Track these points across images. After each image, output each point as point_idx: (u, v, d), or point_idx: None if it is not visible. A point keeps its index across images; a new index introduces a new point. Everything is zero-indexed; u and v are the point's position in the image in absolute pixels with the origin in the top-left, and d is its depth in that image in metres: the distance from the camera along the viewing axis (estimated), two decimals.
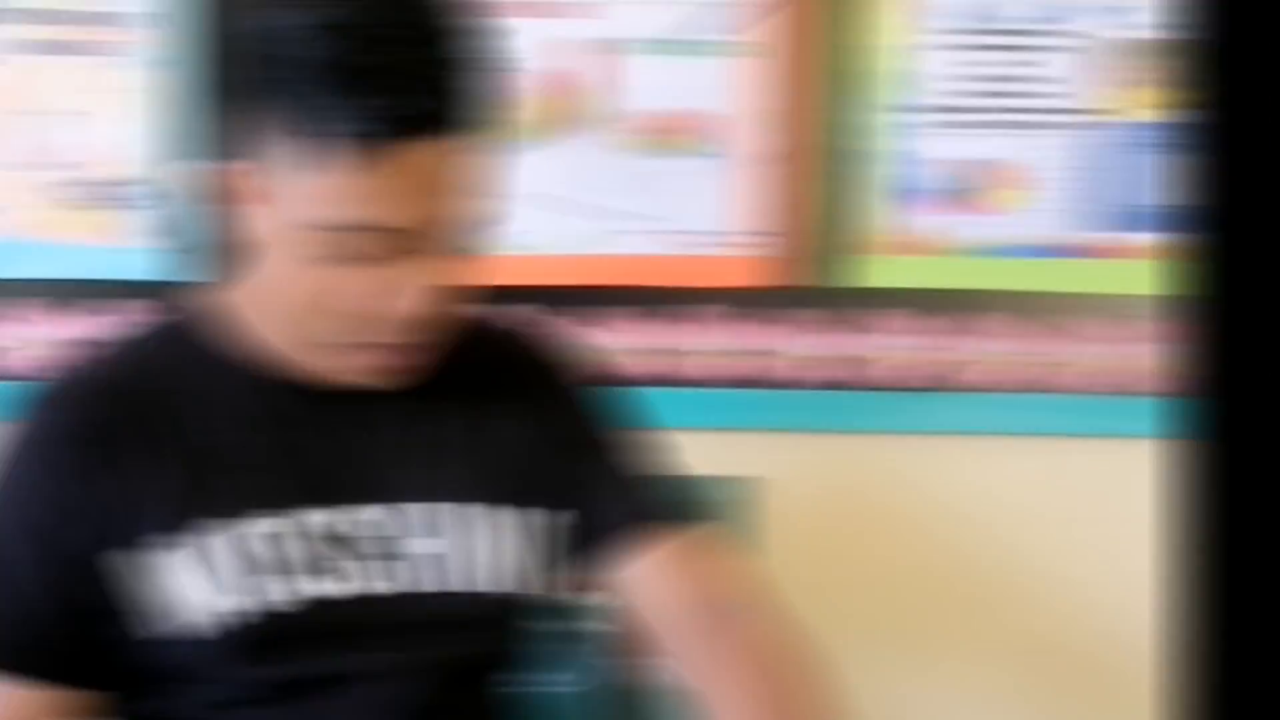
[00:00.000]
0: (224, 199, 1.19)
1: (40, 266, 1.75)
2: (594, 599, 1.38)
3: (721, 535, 1.34)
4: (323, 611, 1.19)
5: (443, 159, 1.11)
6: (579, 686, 1.64)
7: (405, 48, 1.09)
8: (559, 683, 1.61)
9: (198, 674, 1.19)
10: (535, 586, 1.27)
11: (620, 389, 1.36)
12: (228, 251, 1.21)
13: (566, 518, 1.29)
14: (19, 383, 1.72)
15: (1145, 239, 1.79)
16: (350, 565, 1.21)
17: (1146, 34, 1.77)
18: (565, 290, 1.75)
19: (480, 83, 1.13)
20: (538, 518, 1.27)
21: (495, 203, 1.18)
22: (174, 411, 1.20)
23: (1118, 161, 1.78)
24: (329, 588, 1.19)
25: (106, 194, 1.74)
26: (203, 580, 1.17)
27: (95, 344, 1.28)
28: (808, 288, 1.76)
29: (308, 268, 1.14)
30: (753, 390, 1.77)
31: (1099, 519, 1.88)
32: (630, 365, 1.73)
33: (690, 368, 1.77)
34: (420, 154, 1.09)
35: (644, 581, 1.30)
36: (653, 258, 1.74)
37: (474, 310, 1.27)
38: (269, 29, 1.10)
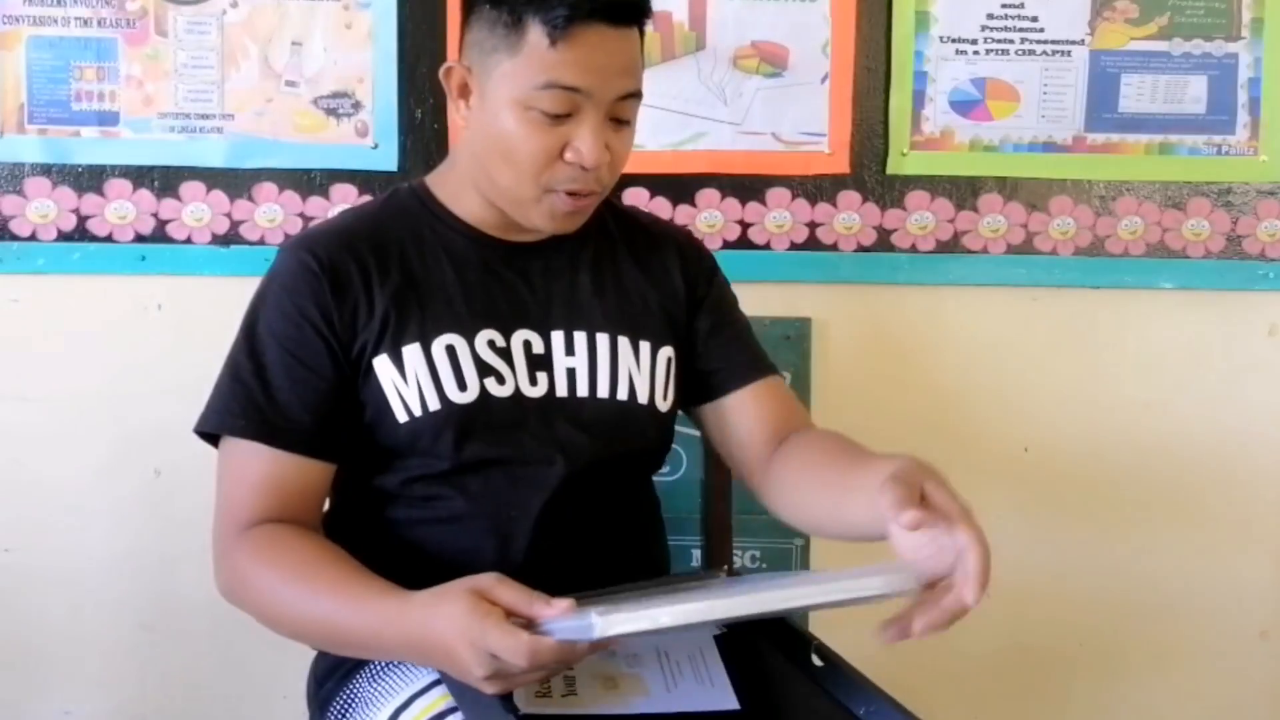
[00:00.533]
0: (444, 94, 1.45)
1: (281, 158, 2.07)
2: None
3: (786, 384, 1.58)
4: (486, 406, 1.43)
5: (609, 40, 1.36)
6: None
7: None
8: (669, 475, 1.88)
9: (399, 452, 1.42)
10: (648, 400, 1.49)
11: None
12: (436, 146, 1.52)
13: (669, 351, 1.52)
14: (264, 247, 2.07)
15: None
16: (507, 372, 1.44)
17: None
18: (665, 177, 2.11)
19: None
20: (649, 348, 1.50)
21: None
22: (388, 258, 1.44)
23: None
24: (492, 386, 1.43)
25: (336, 105, 2.06)
26: (399, 380, 1.40)
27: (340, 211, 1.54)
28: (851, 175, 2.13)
29: (501, 124, 1.37)
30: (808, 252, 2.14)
31: (1069, 355, 2.20)
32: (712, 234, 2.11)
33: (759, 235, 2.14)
34: (591, 34, 1.35)
35: (735, 410, 1.55)
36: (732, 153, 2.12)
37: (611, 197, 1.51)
38: None
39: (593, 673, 1.28)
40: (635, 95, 1.41)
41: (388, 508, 1.44)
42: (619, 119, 1.40)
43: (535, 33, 1.35)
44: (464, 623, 1.16)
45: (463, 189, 1.48)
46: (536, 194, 1.40)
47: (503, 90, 1.37)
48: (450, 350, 1.42)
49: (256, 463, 1.38)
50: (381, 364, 1.41)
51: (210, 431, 1.42)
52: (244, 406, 1.40)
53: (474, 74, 1.40)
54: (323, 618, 1.30)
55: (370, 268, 1.43)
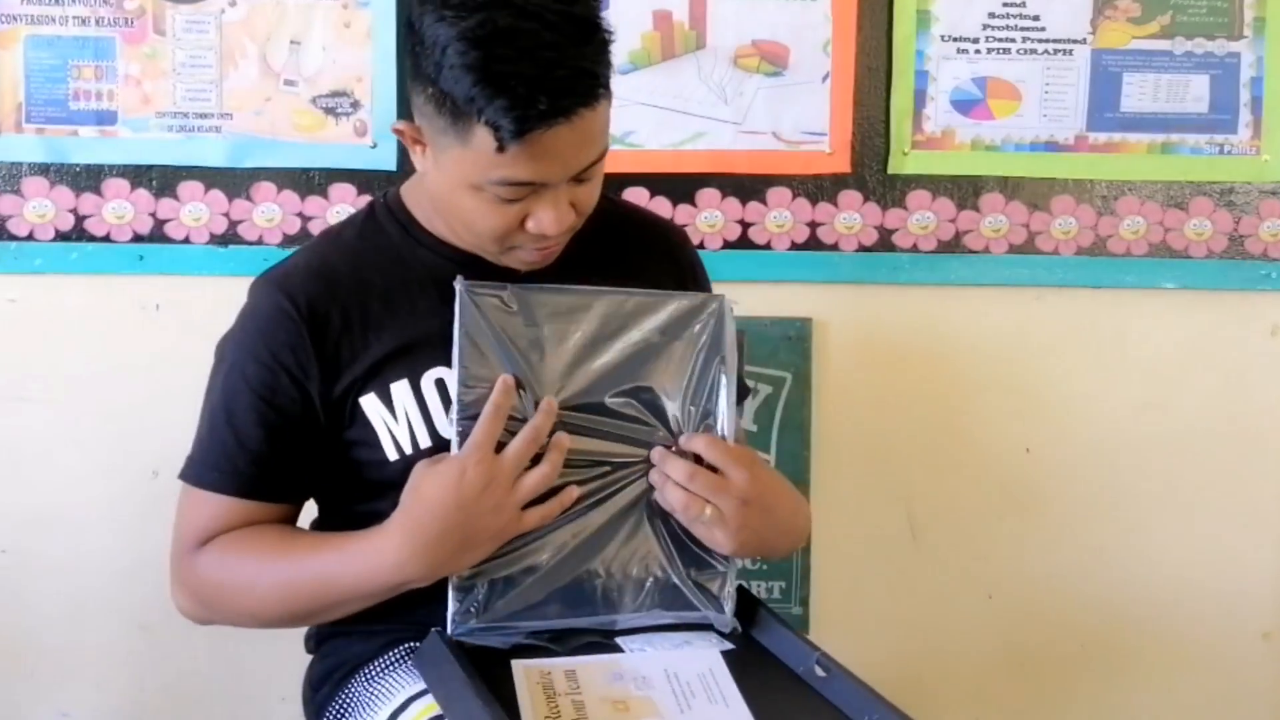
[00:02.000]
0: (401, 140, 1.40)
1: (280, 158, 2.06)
2: None
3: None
4: None
5: (564, 134, 1.26)
6: None
7: (530, 54, 1.23)
8: None
9: (392, 485, 1.37)
10: None
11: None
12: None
13: None
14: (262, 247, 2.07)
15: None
16: None
17: None
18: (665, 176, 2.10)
19: (594, 60, 1.27)
20: None
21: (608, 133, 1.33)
22: (371, 296, 1.41)
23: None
24: None
25: (334, 104, 2.06)
26: (389, 418, 1.39)
27: (319, 233, 1.51)
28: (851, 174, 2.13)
29: (456, 198, 1.33)
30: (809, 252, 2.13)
31: (1070, 355, 2.20)
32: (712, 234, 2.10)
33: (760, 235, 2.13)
34: (545, 136, 1.25)
35: None
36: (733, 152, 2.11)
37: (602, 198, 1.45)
38: (425, 28, 1.27)
39: (602, 696, 1.27)
40: (600, 157, 1.33)
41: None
42: (582, 179, 1.33)
43: (482, 133, 1.24)
44: (429, 466, 1.30)
45: (435, 212, 1.44)
46: (501, 250, 1.37)
47: (454, 171, 1.31)
48: (440, 384, 1.40)
49: (221, 506, 1.40)
50: (369, 403, 1.39)
51: (190, 484, 1.43)
52: (217, 459, 1.41)
53: (425, 135, 1.33)
54: (309, 575, 1.35)
55: (352, 309, 1.40)
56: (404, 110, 2.06)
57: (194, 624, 1.44)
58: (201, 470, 1.44)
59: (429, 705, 1.31)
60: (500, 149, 1.24)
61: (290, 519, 1.45)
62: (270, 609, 1.39)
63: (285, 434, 1.39)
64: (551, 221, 1.31)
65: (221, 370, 1.42)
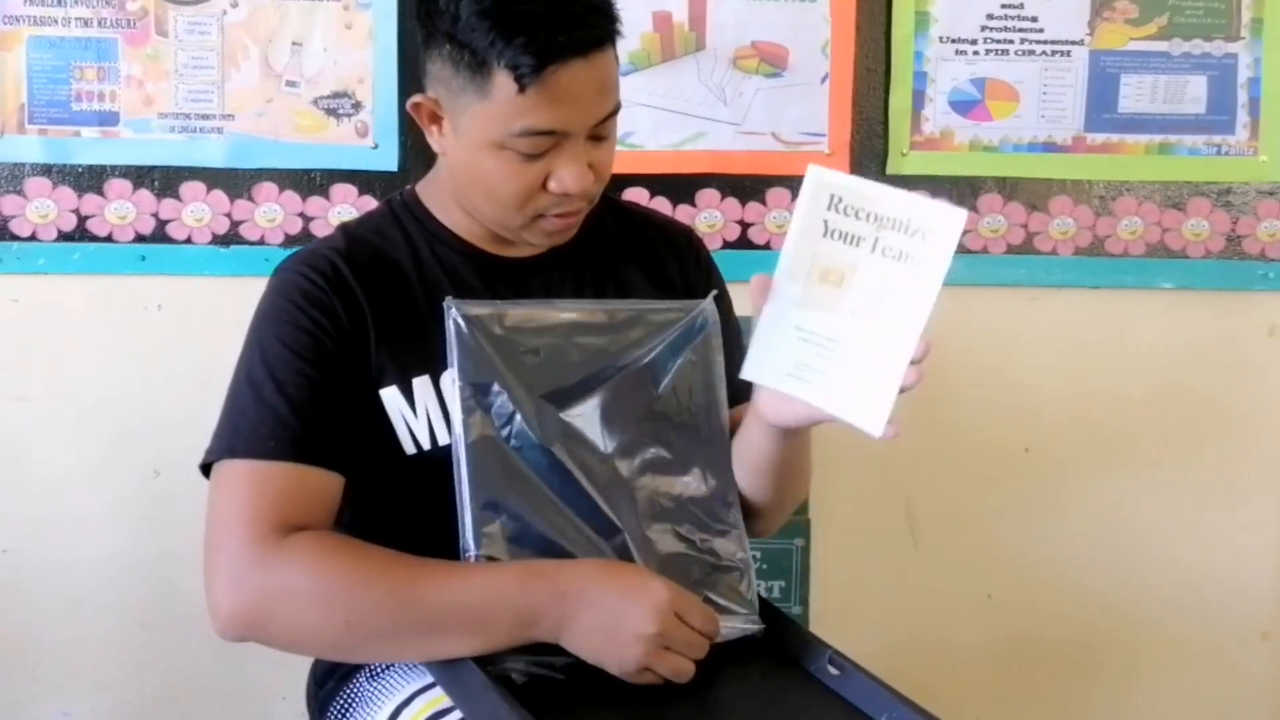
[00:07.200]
0: (416, 120, 1.41)
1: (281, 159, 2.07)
2: None
3: None
4: None
5: (581, 73, 1.29)
6: None
7: None
8: None
9: (405, 478, 1.39)
10: None
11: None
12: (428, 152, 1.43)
13: None
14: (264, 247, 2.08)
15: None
16: None
17: None
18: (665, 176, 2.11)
19: (605, 1, 1.32)
20: None
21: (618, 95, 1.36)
22: (391, 288, 1.41)
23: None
24: None
25: (336, 105, 2.07)
26: (408, 412, 1.38)
27: (337, 226, 1.50)
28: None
29: (478, 163, 1.33)
30: None
31: (1068, 355, 2.21)
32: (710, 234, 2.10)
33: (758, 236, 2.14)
34: (563, 74, 1.28)
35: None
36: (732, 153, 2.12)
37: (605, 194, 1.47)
38: None
39: None
40: (615, 111, 1.35)
41: (386, 515, 1.41)
42: (599, 136, 1.35)
43: (503, 77, 1.27)
44: (663, 581, 1.27)
45: (451, 203, 1.45)
46: (524, 221, 1.37)
47: (475, 131, 1.32)
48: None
49: (282, 477, 1.32)
50: (390, 395, 1.38)
51: (242, 458, 1.32)
52: (272, 428, 1.32)
53: (442, 106, 1.35)
54: (434, 598, 1.25)
55: (376, 300, 1.39)
56: (405, 111, 2.07)
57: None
58: (253, 442, 1.34)
59: (431, 701, 1.31)
60: (521, 89, 1.26)
61: (338, 497, 1.35)
62: (355, 633, 1.28)
63: (335, 398, 1.34)
64: (574, 178, 1.32)
65: (258, 347, 1.37)
